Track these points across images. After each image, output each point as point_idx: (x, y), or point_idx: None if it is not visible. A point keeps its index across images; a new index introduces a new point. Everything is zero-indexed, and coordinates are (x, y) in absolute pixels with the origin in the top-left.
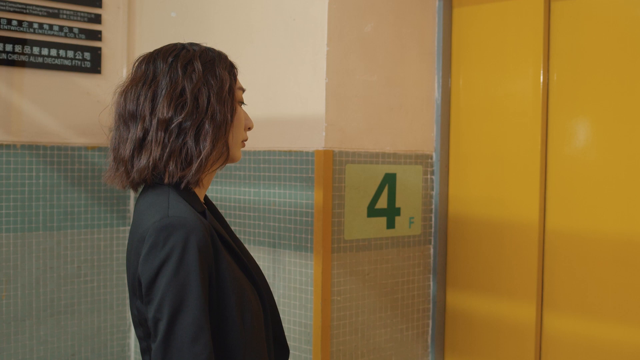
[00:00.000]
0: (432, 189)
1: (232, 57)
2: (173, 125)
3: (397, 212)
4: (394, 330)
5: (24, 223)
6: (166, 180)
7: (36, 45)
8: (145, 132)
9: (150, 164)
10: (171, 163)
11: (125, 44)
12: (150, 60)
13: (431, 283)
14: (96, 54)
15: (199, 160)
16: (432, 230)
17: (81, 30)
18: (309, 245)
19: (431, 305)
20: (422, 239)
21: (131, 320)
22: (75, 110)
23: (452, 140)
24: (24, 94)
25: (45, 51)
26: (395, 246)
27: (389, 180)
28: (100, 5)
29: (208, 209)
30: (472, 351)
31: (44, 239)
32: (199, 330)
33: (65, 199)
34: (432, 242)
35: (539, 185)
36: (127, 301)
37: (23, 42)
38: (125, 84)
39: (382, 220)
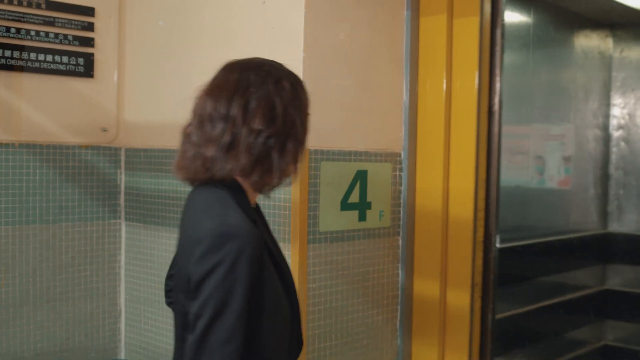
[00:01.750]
0: (401, 185)
1: (214, 62)
2: (263, 137)
3: (368, 205)
4: (365, 316)
5: (22, 216)
6: (245, 186)
7: (33, 51)
8: (234, 137)
9: (238, 168)
10: (255, 172)
11: (116, 50)
12: (243, 69)
13: (400, 272)
14: (89, 59)
15: (279, 173)
16: (401, 222)
17: (75, 37)
18: (286, 236)
19: (400, 292)
20: (391, 230)
21: (121, 307)
22: (69, 111)
23: (419, 139)
24: (22, 97)
25: (41, 57)
26: (366, 237)
27: (361, 177)
28: (93, 14)
29: (257, 212)
30: (437, 335)
31: (40, 231)
32: (233, 334)
33: (60, 194)
34: (401, 234)
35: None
36: (118, 288)
37: (21, 48)
38: (212, 86)
39: (355, 214)
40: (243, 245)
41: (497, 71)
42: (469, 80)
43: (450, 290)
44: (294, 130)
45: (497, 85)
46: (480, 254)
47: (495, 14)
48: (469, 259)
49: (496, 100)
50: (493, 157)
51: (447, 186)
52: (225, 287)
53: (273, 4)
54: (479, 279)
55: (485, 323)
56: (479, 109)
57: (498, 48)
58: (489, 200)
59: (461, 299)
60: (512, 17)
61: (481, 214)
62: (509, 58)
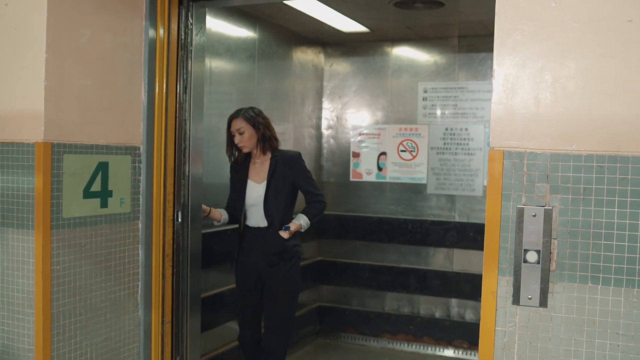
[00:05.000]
0: (140, 175)
1: None
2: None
3: (110, 194)
4: (108, 292)
5: None
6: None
7: None
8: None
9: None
10: None
11: None
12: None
13: (140, 252)
14: None
15: None
16: (140, 208)
17: None
18: (30, 223)
19: (140, 270)
20: (132, 215)
21: None
22: None
23: (156, 135)
24: None
25: None
26: (108, 222)
27: (102, 168)
28: None
29: None
30: (160, 302)
31: None
32: None
33: None
34: (140, 218)
35: (162, 169)
36: None
37: None
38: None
39: (97, 201)
40: None
41: (180, 79)
42: (169, 86)
43: (155, 261)
44: None
45: (179, 91)
46: (170, 230)
47: (182, 32)
48: (161, 234)
49: (178, 104)
50: (181, 150)
51: (165, 174)
52: None
53: (15, 6)
54: (169, 250)
55: (175, 287)
56: (167, 111)
57: (180, 61)
58: (178, 185)
59: (159, 267)
60: (240, 32)
61: (170, 197)
62: (238, 67)
